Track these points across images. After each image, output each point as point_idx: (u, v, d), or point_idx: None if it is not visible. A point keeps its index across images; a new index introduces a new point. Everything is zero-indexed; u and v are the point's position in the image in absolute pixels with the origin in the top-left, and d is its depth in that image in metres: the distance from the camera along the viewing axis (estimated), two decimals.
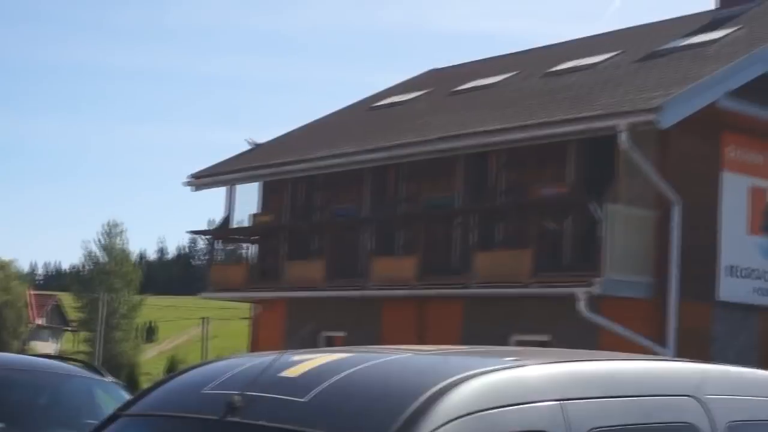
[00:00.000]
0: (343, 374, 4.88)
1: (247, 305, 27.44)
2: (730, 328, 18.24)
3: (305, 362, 5.10)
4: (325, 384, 4.80)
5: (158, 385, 5.45)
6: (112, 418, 5.34)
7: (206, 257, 34.06)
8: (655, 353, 16.64)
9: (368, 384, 4.83)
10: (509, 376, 4.91)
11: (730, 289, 18.31)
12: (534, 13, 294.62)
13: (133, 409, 5.31)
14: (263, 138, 27.03)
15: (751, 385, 6.28)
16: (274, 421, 4.68)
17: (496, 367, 4.94)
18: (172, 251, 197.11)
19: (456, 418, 4.51)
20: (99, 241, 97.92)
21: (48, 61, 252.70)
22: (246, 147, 26.57)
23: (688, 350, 16.96)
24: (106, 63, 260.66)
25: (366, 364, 5.03)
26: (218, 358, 5.81)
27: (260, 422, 4.71)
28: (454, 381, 4.66)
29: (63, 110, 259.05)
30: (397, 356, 5.31)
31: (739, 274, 18.48)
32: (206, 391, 5.06)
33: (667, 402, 5.46)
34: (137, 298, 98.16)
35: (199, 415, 4.95)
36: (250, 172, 24.22)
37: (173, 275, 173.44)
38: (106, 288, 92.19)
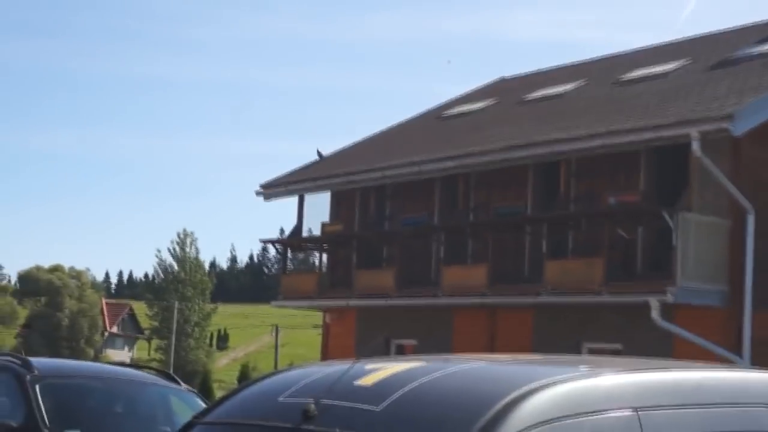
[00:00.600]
0: (416, 383, 4.91)
1: (317, 313, 27.58)
2: None
3: (379, 371, 5.13)
4: (399, 393, 4.83)
5: (234, 393, 5.52)
6: (189, 426, 5.41)
7: (277, 266, 34.27)
8: (729, 362, 16.48)
9: (442, 393, 4.85)
10: (584, 385, 4.91)
11: None
12: (603, 22, 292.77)
13: (210, 417, 5.38)
14: (332, 148, 27.19)
15: None
16: (348, 429, 4.72)
17: (571, 375, 4.94)
18: (243, 260, 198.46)
19: (531, 427, 4.52)
20: (172, 250, 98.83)
21: (124, 76, 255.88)
22: (315, 157, 26.74)
23: (762, 359, 16.76)
24: (180, 77, 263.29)
25: (439, 373, 5.05)
26: (293, 367, 5.87)
27: (335, 430, 4.75)
28: (529, 390, 4.67)
29: (139, 123, 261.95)
30: (471, 365, 5.33)
31: None
32: (282, 399, 5.12)
33: (744, 412, 5.42)
34: (209, 306, 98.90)
35: (274, 422, 5.01)
36: (320, 181, 24.36)
37: (244, 284, 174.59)
38: (179, 296, 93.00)
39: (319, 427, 4.79)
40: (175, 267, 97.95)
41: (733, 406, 5.40)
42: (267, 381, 5.53)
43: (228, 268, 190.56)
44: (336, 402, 4.88)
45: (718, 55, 21.92)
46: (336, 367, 5.28)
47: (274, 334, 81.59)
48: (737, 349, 16.99)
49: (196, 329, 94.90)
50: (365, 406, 4.81)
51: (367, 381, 5.02)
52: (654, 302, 16.74)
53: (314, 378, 5.22)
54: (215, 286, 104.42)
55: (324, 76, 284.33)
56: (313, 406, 4.85)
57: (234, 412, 5.30)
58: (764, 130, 17.15)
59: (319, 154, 26.75)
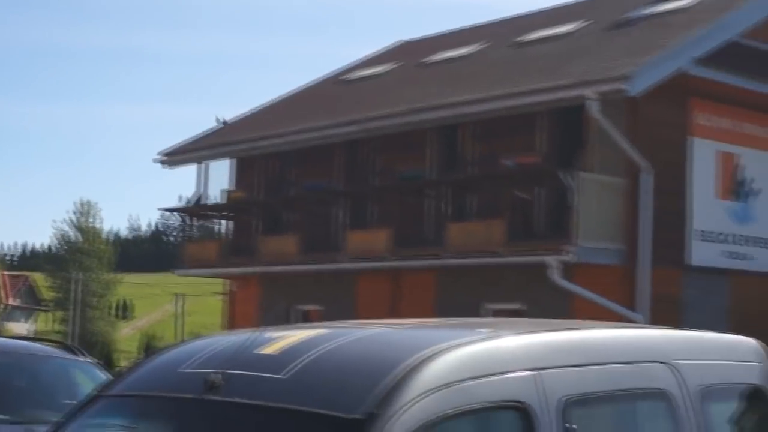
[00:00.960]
0: (320, 350, 4.94)
1: (221, 281, 27.45)
2: (701, 292, 18.40)
3: (282, 339, 5.15)
4: (303, 360, 4.86)
5: (138, 365, 5.52)
6: (92, 399, 5.39)
7: (179, 234, 33.98)
8: (627, 319, 16.80)
9: (345, 359, 4.89)
10: (484, 348, 4.98)
11: (700, 254, 18.47)
12: None
13: (113, 390, 5.36)
14: (234, 113, 27.01)
15: (720, 349, 6.38)
16: (252, 398, 4.74)
17: (471, 339, 5.02)
18: (145, 229, 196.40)
19: (432, 390, 4.58)
20: (71, 220, 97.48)
21: (13, 42, 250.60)
22: (215, 124, 26.54)
23: (659, 315, 17.13)
24: (75, 43, 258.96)
25: (343, 340, 5.09)
26: (196, 337, 5.87)
27: (239, 399, 4.77)
28: (429, 354, 4.73)
29: (30, 92, 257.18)
30: (374, 331, 5.39)
31: (709, 238, 18.64)
32: (185, 370, 5.12)
33: (640, 368, 5.55)
34: (111, 276, 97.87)
35: (178, 394, 5.01)
36: (221, 148, 24.20)
37: (146, 253, 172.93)
38: (80, 267, 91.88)
39: (223, 396, 4.81)
40: (75, 237, 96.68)
41: (631, 364, 5.52)
42: (170, 353, 5.52)
43: (129, 237, 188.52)
44: (240, 371, 4.90)
45: (615, 15, 22.17)
46: (239, 337, 5.29)
47: (177, 302, 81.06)
48: (634, 307, 17.31)
49: (98, 299, 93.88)
50: (269, 375, 4.84)
51: (270, 349, 5.04)
52: (553, 262, 16.97)
53: (218, 348, 5.23)
54: (117, 256, 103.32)
55: (224, 40, 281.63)
56: (216, 376, 4.86)
57: (137, 385, 5.28)
58: (660, 90, 17.42)
59: (219, 120, 26.55)
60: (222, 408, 4.77)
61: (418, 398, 4.51)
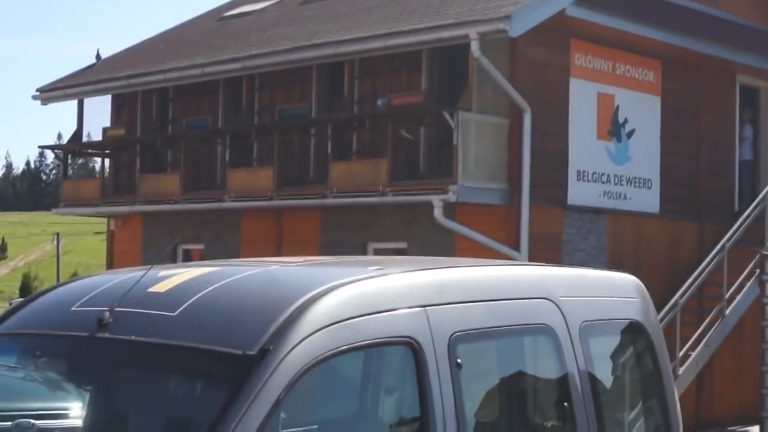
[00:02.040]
0: (211, 288, 4.97)
1: (100, 220, 27.09)
2: (580, 231, 18.78)
3: (173, 277, 5.17)
4: (194, 298, 4.89)
5: (26, 303, 5.46)
6: None
7: (56, 172, 33.40)
8: (509, 258, 17.07)
9: (236, 297, 4.94)
10: (373, 285, 5.07)
11: (579, 194, 18.81)
12: None
13: (2, 328, 5.31)
14: (113, 49, 26.53)
15: (600, 286, 6.57)
16: (144, 335, 4.76)
17: (361, 276, 5.10)
18: (19, 167, 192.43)
19: (323, 327, 4.66)
20: None
21: None
22: (95, 59, 26.06)
23: (540, 254, 17.44)
24: None
25: (233, 278, 5.13)
26: (86, 275, 5.83)
27: (130, 337, 4.78)
28: (320, 291, 4.80)
29: None
30: (264, 269, 5.43)
31: (588, 178, 18.98)
32: (75, 308, 5.10)
33: (525, 305, 5.69)
34: None
35: (69, 332, 5.00)
36: (99, 84, 23.75)
37: (21, 191, 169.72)
38: None
39: (114, 334, 4.81)
40: None
41: (516, 300, 5.66)
42: (60, 290, 5.49)
43: (3, 175, 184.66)
44: (131, 309, 4.91)
45: None
46: (129, 275, 5.29)
47: (55, 242, 79.84)
48: (516, 245, 17.59)
49: None
50: (161, 312, 4.86)
51: (161, 288, 5.06)
52: (436, 201, 17.11)
53: (108, 286, 5.22)
54: None
55: None
56: (107, 314, 4.86)
57: (26, 323, 5.25)
58: (540, 31, 17.57)
59: (98, 56, 26.09)
60: (115, 345, 4.77)
61: (310, 335, 4.58)
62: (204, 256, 22.13)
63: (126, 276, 5.31)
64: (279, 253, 20.24)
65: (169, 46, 24.99)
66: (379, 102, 19.57)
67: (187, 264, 5.79)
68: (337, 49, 19.06)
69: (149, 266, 5.37)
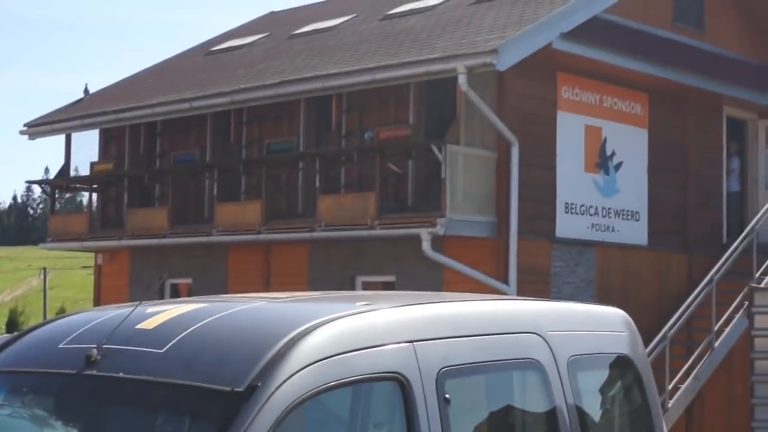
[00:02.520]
0: (199, 324, 4.97)
1: (86, 254, 27.05)
2: (568, 263, 18.81)
3: (161, 314, 5.16)
4: (182, 334, 4.89)
5: (13, 341, 5.45)
6: None
7: (43, 207, 33.33)
8: (497, 291, 17.08)
9: (224, 333, 4.93)
10: (361, 321, 5.07)
11: (567, 226, 18.84)
12: None
13: None
14: (101, 84, 26.56)
15: (588, 320, 6.58)
16: (132, 372, 4.75)
17: (349, 312, 5.10)
18: (6, 201, 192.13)
19: (311, 363, 4.66)
20: None
21: None
22: (83, 94, 26.09)
23: (528, 286, 17.46)
24: None
25: (221, 314, 5.13)
26: (74, 312, 5.82)
27: (118, 374, 4.77)
28: (308, 328, 4.80)
29: None
30: (252, 305, 5.42)
31: (576, 211, 19.03)
32: (63, 345, 5.09)
33: (513, 339, 5.69)
34: None
35: (56, 369, 4.99)
36: (87, 119, 23.76)
37: (8, 226, 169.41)
38: None
39: (101, 371, 4.80)
40: None
41: (504, 335, 5.66)
42: (47, 328, 5.48)
43: None
44: (118, 346, 4.90)
45: None
46: (117, 312, 5.28)
47: (42, 276, 79.59)
48: (504, 278, 17.60)
49: None
50: (149, 349, 4.85)
51: (149, 324, 5.05)
52: (425, 234, 17.12)
53: (95, 323, 5.21)
54: None
55: (93, 8, 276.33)
56: (95, 351, 4.85)
57: (14, 361, 5.23)
58: (527, 64, 17.66)
59: (86, 90, 26.12)
60: (102, 383, 4.76)
61: (299, 371, 4.58)
62: (192, 290, 22.10)
63: (114, 313, 5.30)
64: (267, 287, 20.21)
65: (157, 80, 25.04)
66: (366, 136, 19.62)
67: (175, 300, 5.78)
68: (325, 82, 19.12)
69: (137, 303, 5.37)
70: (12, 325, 60.38)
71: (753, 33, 23.34)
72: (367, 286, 19.24)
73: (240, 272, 21.30)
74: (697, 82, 20.36)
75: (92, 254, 25.70)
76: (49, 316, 70.20)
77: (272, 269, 20.81)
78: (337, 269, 19.61)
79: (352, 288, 19.23)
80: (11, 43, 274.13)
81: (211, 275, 21.80)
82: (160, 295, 21.49)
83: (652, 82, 19.83)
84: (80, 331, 5.15)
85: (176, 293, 22.58)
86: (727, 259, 19.03)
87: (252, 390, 4.45)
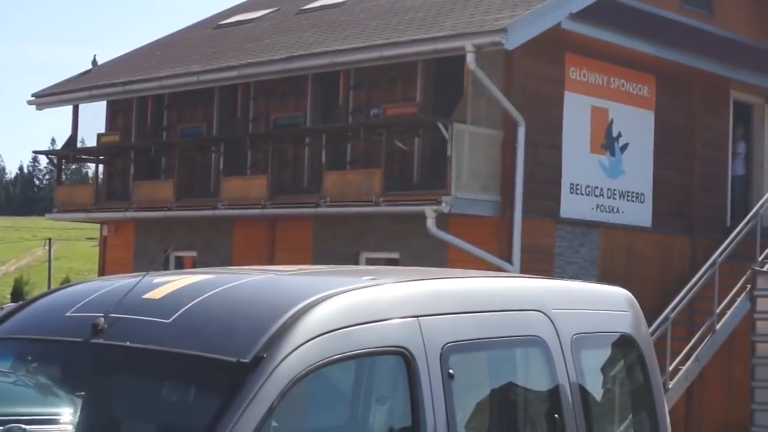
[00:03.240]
0: (205, 295, 5.00)
1: (92, 226, 27.08)
2: (572, 244, 18.82)
3: (168, 284, 5.19)
4: (189, 305, 4.91)
5: (20, 308, 5.48)
6: None
7: (49, 177, 33.36)
8: (501, 269, 17.10)
9: (231, 305, 4.96)
10: (367, 295, 5.10)
11: (572, 207, 18.86)
12: None
13: None
14: (109, 55, 26.56)
15: (592, 299, 6.60)
16: (138, 341, 4.78)
17: (355, 286, 5.13)
18: (12, 171, 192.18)
19: (317, 336, 4.68)
20: None
21: None
22: (90, 65, 26.09)
23: (532, 266, 17.48)
24: None
25: (228, 286, 5.15)
26: (81, 281, 5.85)
27: (124, 343, 4.80)
28: (314, 300, 4.83)
29: None
30: (259, 277, 5.45)
31: (581, 191, 19.03)
32: (70, 314, 5.12)
33: (517, 316, 5.72)
34: None
35: (63, 337, 5.02)
36: (95, 90, 23.77)
37: (14, 196, 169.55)
38: None
39: (108, 340, 4.83)
40: None
41: (508, 312, 5.68)
42: (54, 296, 5.51)
43: None
44: (125, 315, 4.93)
45: None
46: (125, 281, 5.31)
47: (47, 247, 79.74)
48: (508, 257, 17.62)
49: None
50: (155, 319, 4.88)
51: (156, 294, 5.08)
52: (430, 212, 17.13)
53: (103, 292, 5.24)
54: None
55: None
56: (102, 319, 4.87)
57: (21, 328, 5.26)
58: (536, 44, 17.64)
59: (94, 62, 26.11)
60: (109, 351, 4.80)
61: (304, 343, 4.61)
62: (196, 264, 22.15)
63: (121, 282, 5.33)
64: (271, 262, 20.26)
65: (165, 53, 25.02)
66: (372, 113, 19.61)
67: (182, 271, 5.81)
68: (333, 58, 19.11)
69: (144, 273, 5.40)
70: (17, 294, 60.49)
71: (763, 17, 23.28)
72: (371, 263, 19.27)
73: (245, 246, 21.34)
74: (705, 65, 20.34)
75: (97, 226, 25.75)
76: (53, 286, 70.37)
77: (277, 244, 20.84)
78: (342, 245, 19.64)
79: (357, 264, 19.26)
80: (19, 15, 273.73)
81: (216, 249, 21.84)
82: (164, 268, 21.52)
83: (660, 64, 19.81)
84: (87, 299, 5.18)
85: (181, 266, 22.62)
86: (730, 243, 19.06)
87: (257, 361, 4.48)
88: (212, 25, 26.90)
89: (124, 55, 27.03)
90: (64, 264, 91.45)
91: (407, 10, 20.71)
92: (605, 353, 6.52)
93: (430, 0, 20.98)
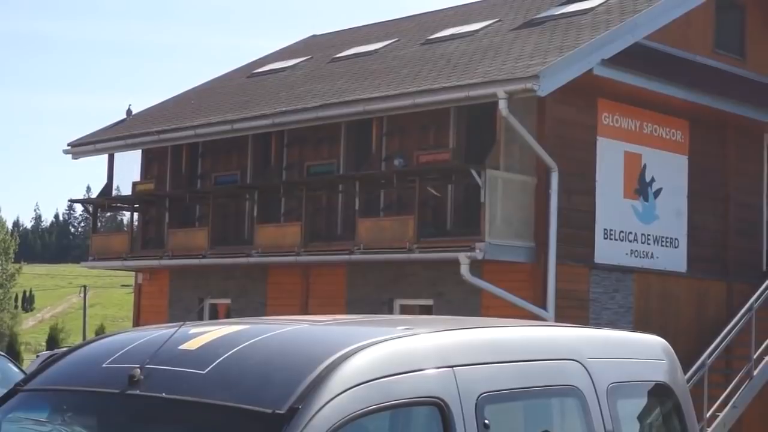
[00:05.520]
0: (241, 346, 5.00)
1: (126, 273, 27.19)
2: (606, 290, 18.74)
3: (203, 335, 5.20)
4: (224, 356, 4.92)
5: (58, 359, 5.50)
6: (12, 393, 5.38)
7: (83, 225, 33.56)
8: (536, 316, 17.04)
9: (266, 356, 4.96)
10: (402, 345, 5.09)
11: (606, 252, 18.79)
12: None
13: (33, 384, 5.35)
14: (144, 104, 26.81)
15: (628, 347, 6.57)
16: (174, 393, 4.79)
17: (389, 336, 5.12)
18: (48, 219, 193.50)
19: (352, 387, 4.68)
20: None
21: None
22: (125, 114, 26.32)
23: (567, 312, 17.41)
24: None
25: (263, 336, 5.16)
26: (117, 332, 5.88)
27: (161, 394, 4.81)
28: (349, 351, 4.82)
29: None
30: (294, 327, 5.46)
31: (615, 237, 18.98)
32: (107, 365, 5.14)
33: (553, 366, 5.70)
34: (13, 266, 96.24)
35: (99, 388, 5.03)
36: (130, 140, 23.97)
37: (49, 243, 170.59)
38: None
39: (144, 391, 4.84)
40: None
41: (544, 361, 5.66)
42: (91, 346, 5.53)
43: (32, 227, 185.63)
44: (162, 366, 4.93)
45: (524, 15, 22.45)
46: (160, 332, 5.32)
47: (82, 294, 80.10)
48: (542, 303, 17.56)
49: (0, 291, 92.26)
50: (191, 370, 4.88)
51: (192, 345, 5.09)
52: (463, 258, 17.12)
53: (139, 343, 5.26)
54: (19, 246, 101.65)
55: (131, 30, 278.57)
56: (138, 370, 4.89)
57: (58, 379, 5.28)
58: (568, 90, 17.67)
59: (129, 111, 26.34)
60: (145, 403, 4.80)
61: (339, 394, 4.60)
62: (230, 311, 22.20)
63: (157, 333, 5.35)
64: (305, 309, 20.28)
65: (199, 101, 25.23)
66: (396, 162, 19.64)
67: (218, 322, 5.82)
68: (365, 106, 19.21)
69: (180, 323, 5.42)
70: (52, 341, 60.73)
71: None
72: (405, 310, 19.26)
73: (279, 294, 21.37)
74: (738, 109, 20.28)
75: (132, 273, 25.87)
76: (88, 333, 70.62)
77: (311, 291, 20.87)
78: (375, 292, 19.64)
79: (390, 311, 19.26)
80: (57, 65, 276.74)
81: (250, 296, 21.89)
82: (199, 317, 21.58)
83: (693, 108, 19.78)
84: (124, 350, 5.20)
85: (215, 313, 22.69)
86: (767, 287, 18.92)
87: (293, 412, 4.48)
88: (246, 74, 27.11)
89: (159, 103, 27.27)
90: (98, 311, 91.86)
91: (439, 57, 20.81)
92: (641, 402, 6.48)
93: (462, 47, 21.08)
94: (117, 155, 24.80)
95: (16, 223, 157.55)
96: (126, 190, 25.43)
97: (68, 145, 25.43)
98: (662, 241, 19.82)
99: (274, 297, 21.46)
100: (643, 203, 19.56)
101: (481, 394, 5.13)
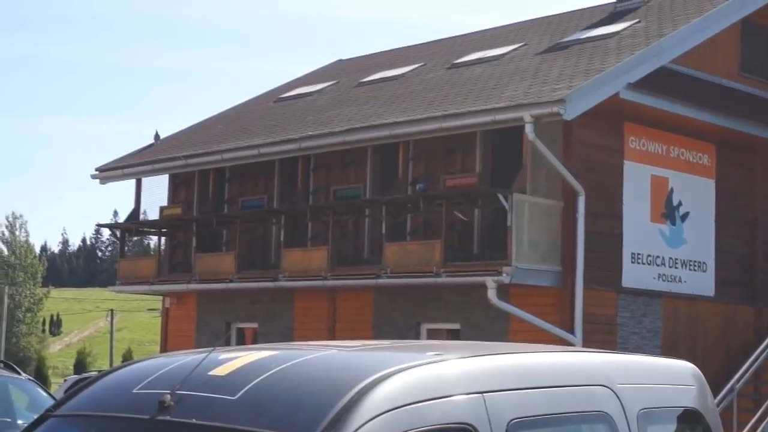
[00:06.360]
0: (271, 372, 5.00)
1: (153, 297, 27.27)
2: (634, 314, 18.68)
3: (233, 360, 5.21)
4: (254, 382, 4.92)
5: (88, 385, 5.51)
6: (43, 419, 5.40)
7: (111, 250, 33.69)
8: (563, 340, 16.99)
9: (296, 381, 4.96)
10: (432, 371, 5.08)
11: (633, 276, 18.74)
12: (438, 4, 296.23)
13: (63, 410, 5.36)
14: (171, 128, 26.96)
15: (658, 373, 6.53)
16: (204, 419, 4.79)
17: (419, 362, 5.11)
18: (75, 243, 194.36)
19: (382, 413, 4.67)
20: (2, 234, 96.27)
21: None
22: (153, 139, 26.45)
23: (594, 336, 17.36)
24: (7, 52, 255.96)
25: (293, 362, 5.16)
26: (146, 357, 5.89)
27: (191, 420, 4.81)
28: (379, 377, 4.82)
29: None
30: (323, 353, 5.45)
31: (642, 261, 18.93)
32: (137, 390, 5.15)
33: (583, 392, 5.67)
34: (41, 290, 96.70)
35: (130, 414, 5.04)
36: (157, 164, 24.10)
37: (77, 268, 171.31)
38: (9, 281, 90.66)
39: (174, 417, 4.85)
40: (5, 251, 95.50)
41: (573, 387, 5.64)
42: (121, 372, 5.54)
43: (60, 251, 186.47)
44: (191, 392, 4.94)
45: (550, 39, 22.48)
46: (190, 358, 5.33)
47: (109, 318, 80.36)
48: (570, 327, 17.51)
49: (28, 315, 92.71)
50: (221, 396, 4.89)
51: (222, 371, 5.09)
52: (490, 282, 17.10)
53: (169, 369, 5.26)
54: (47, 270, 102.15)
55: (159, 55, 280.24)
56: (168, 396, 4.90)
57: (88, 405, 5.29)
58: (593, 114, 17.66)
59: (156, 136, 26.48)
60: (175, 429, 4.81)
61: (370, 420, 4.60)
62: (257, 335, 22.23)
63: (186, 359, 5.35)
64: (332, 333, 20.28)
65: (226, 126, 25.34)
66: (418, 187, 19.66)
67: (247, 347, 5.83)
68: (392, 130, 19.25)
69: (210, 349, 5.43)
70: (80, 365, 60.89)
71: None
72: (432, 334, 19.24)
73: (305, 318, 21.39)
74: (765, 132, 20.23)
75: (159, 297, 25.95)
76: (115, 357, 70.78)
77: (337, 315, 20.88)
78: (402, 316, 19.63)
79: (417, 335, 19.23)
80: (84, 90, 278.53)
81: (277, 320, 21.91)
82: (227, 343, 21.61)
83: (720, 132, 19.73)
84: (154, 376, 5.21)
85: (242, 338, 22.72)
86: None
87: None
88: (273, 98, 27.22)
89: (186, 128, 27.40)
90: (126, 335, 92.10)
91: (465, 81, 20.84)
92: (672, 428, 6.44)
93: (488, 71, 21.11)
94: (144, 180, 24.92)
95: (43, 248, 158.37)
96: (153, 215, 25.55)
97: (96, 169, 25.57)
98: (690, 265, 19.75)
99: (301, 321, 21.48)
100: (671, 227, 19.50)
101: (511, 420, 5.11)
